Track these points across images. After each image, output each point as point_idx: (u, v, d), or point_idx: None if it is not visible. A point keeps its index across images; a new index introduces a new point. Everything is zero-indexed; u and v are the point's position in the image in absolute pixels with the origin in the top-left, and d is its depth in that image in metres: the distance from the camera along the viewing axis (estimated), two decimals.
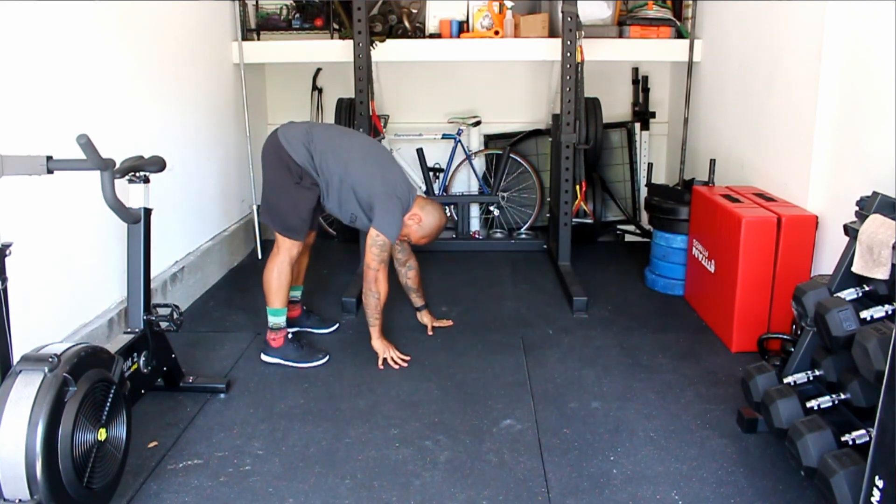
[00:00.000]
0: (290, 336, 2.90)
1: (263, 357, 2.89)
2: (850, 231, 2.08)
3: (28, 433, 1.63)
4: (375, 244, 2.72)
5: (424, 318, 3.23)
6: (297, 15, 4.64)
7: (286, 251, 2.83)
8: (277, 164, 2.76)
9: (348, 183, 2.74)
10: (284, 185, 2.77)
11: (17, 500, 1.64)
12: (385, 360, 2.86)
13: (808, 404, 2.03)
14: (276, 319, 2.86)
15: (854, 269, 2.01)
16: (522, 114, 5.00)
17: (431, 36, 4.43)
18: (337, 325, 3.26)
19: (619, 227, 4.94)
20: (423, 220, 2.83)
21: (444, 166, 4.86)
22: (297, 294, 3.17)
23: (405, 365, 2.86)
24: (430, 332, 3.19)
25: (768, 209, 2.92)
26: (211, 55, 4.04)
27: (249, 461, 2.20)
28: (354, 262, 3.95)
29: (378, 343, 2.88)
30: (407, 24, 4.43)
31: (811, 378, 2.14)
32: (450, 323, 3.28)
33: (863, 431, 1.82)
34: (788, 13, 3.08)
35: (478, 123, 4.82)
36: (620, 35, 4.32)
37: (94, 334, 2.67)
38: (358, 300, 3.47)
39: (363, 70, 3.79)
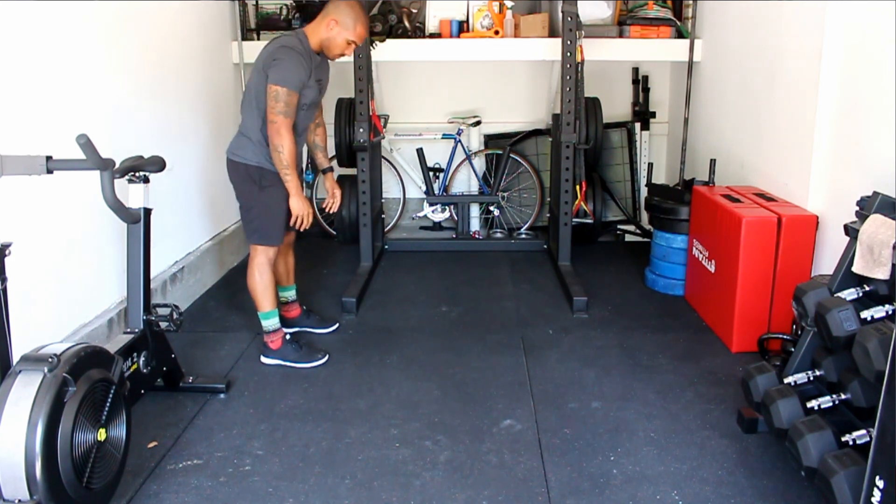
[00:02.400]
0: (287, 337, 2.90)
1: (263, 359, 2.89)
2: (851, 231, 2.08)
3: (28, 433, 1.63)
4: (274, 98, 2.57)
5: (328, 182, 3.09)
6: (297, 14, 4.63)
7: (262, 254, 2.83)
8: (239, 178, 2.79)
9: (251, 93, 2.69)
10: (250, 193, 2.79)
11: (16, 501, 1.64)
12: (299, 218, 2.79)
13: (809, 404, 2.03)
14: (270, 322, 2.86)
15: (854, 269, 2.01)
16: (522, 114, 5.00)
17: (431, 36, 4.43)
18: (337, 326, 3.26)
19: (620, 227, 4.94)
20: (339, 19, 2.66)
21: (444, 166, 4.86)
22: (292, 294, 3.17)
23: (309, 226, 2.83)
24: (334, 200, 3.06)
25: (768, 209, 2.91)
26: (211, 55, 4.04)
27: (249, 461, 2.20)
28: (355, 263, 3.95)
29: (297, 201, 2.75)
30: (407, 23, 4.43)
31: (811, 378, 2.14)
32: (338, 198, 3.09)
33: (863, 431, 1.82)
34: (788, 13, 3.08)
35: (478, 123, 4.82)
36: (620, 35, 4.32)
37: (93, 334, 2.67)
38: (358, 300, 3.47)
39: (363, 70, 3.78)
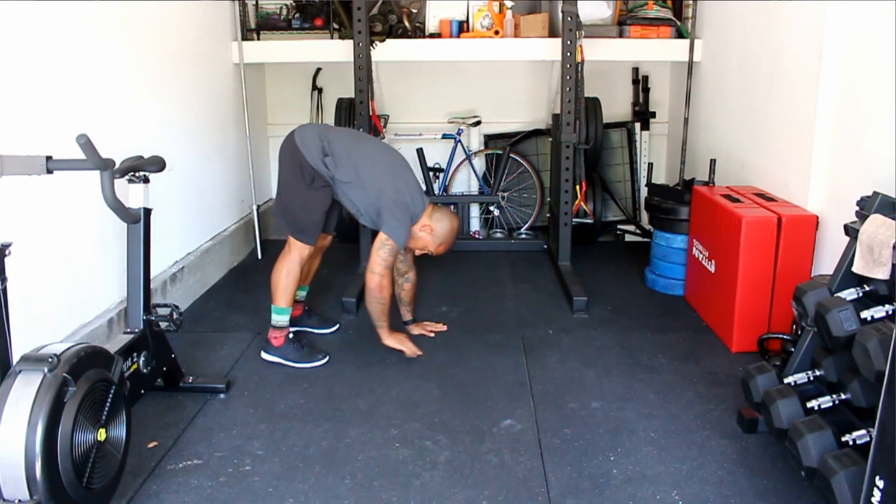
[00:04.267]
0: (291, 336, 2.90)
1: (263, 355, 2.89)
2: (851, 231, 2.08)
3: (28, 433, 1.63)
4: (383, 248, 2.72)
5: (416, 329, 3.19)
6: (297, 15, 4.64)
7: (297, 251, 2.83)
8: (291, 164, 2.78)
9: (359, 185, 2.75)
10: (297, 186, 2.78)
11: (16, 501, 1.63)
12: (402, 350, 2.89)
13: (809, 404, 2.03)
14: (280, 318, 2.86)
15: (854, 269, 2.01)
16: (522, 114, 5.00)
17: (431, 36, 4.43)
18: (337, 326, 3.26)
19: (620, 227, 4.94)
20: (434, 230, 2.84)
21: (444, 166, 4.86)
22: (303, 294, 3.18)
23: (420, 353, 2.88)
24: (432, 334, 3.18)
25: (768, 209, 2.91)
26: (211, 55, 4.04)
27: (249, 461, 2.20)
28: (354, 263, 3.95)
29: (391, 341, 2.88)
30: (407, 23, 4.43)
31: (811, 378, 2.14)
32: (443, 327, 3.25)
33: (863, 431, 1.82)
34: (788, 13, 3.08)
35: (478, 123, 4.82)
36: (620, 35, 4.32)
37: (93, 334, 2.67)
38: (358, 300, 3.47)
39: (363, 70, 3.79)
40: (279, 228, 2.88)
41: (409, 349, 2.89)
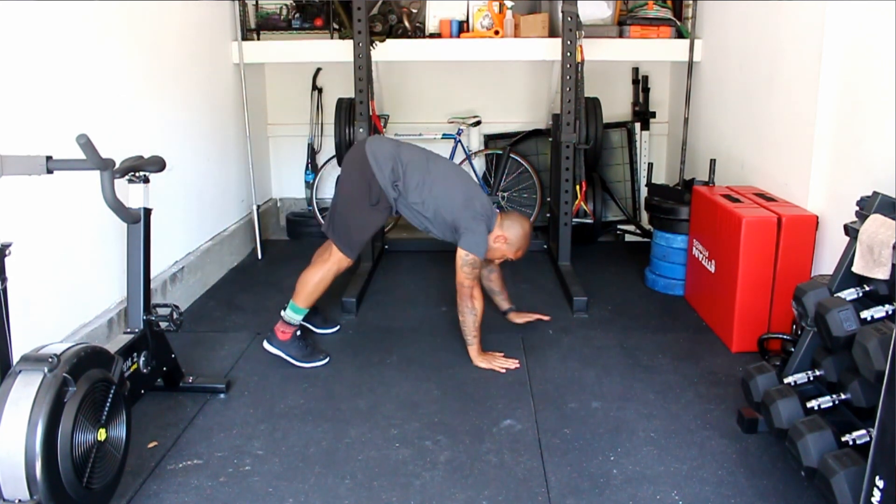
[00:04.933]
0: (298, 333, 2.89)
1: (266, 345, 2.88)
2: (851, 231, 2.08)
3: (28, 433, 1.63)
4: (466, 263, 2.76)
5: (517, 318, 3.23)
6: (297, 15, 4.64)
7: (337, 262, 2.85)
8: (360, 180, 2.79)
9: (432, 206, 2.79)
10: (361, 202, 2.81)
11: (16, 501, 1.63)
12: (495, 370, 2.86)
13: (809, 404, 2.03)
14: (295, 316, 2.86)
15: (854, 269, 2.01)
16: (522, 114, 5.00)
17: (431, 36, 4.43)
18: (338, 327, 3.26)
19: (619, 227, 4.94)
20: (508, 238, 2.87)
21: None
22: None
23: (517, 366, 2.85)
24: (535, 318, 3.24)
25: (768, 209, 2.91)
26: (211, 55, 4.04)
27: (249, 461, 2.20)
28: (355, 263, 3.94)
29: (480, 361, 2.86)
30: (407, 23, 4.43)
31: (811, 378, 2.14)
32: (547, 318, 3.29)
33: (863, 431, 1.82)
34: (788, 13, 3.08)
35: (478, 123, 4.82)
36: (620, 35, 4.32)
37: (93, 334, 2.67)
38: (358, 300, 3.47)
39: (363, 70, 3.78)
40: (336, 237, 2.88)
41: (501, 365, 2.84)
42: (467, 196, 2.82)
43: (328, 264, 2.84)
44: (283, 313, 2.87)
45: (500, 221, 2.88)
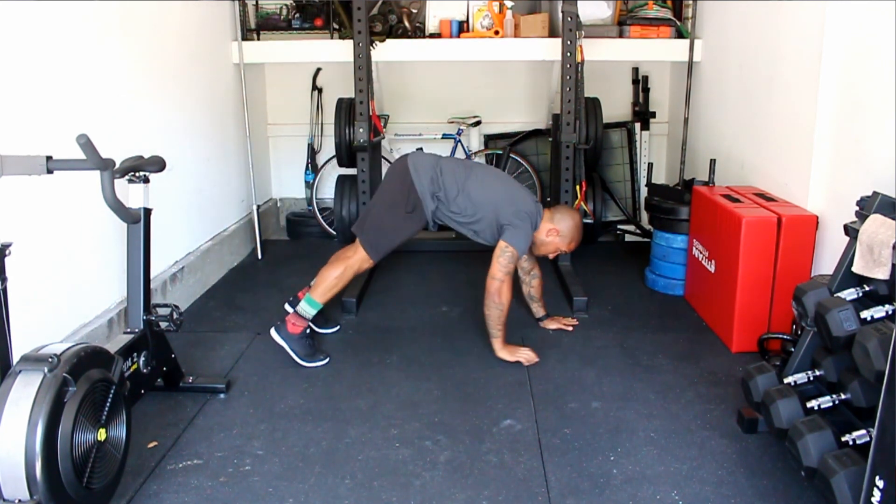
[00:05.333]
0: (307, 331, 2.90)
1: (273, 333, 2.88)
2: (851, 231, 2.08)
3: (28, 433, 1.63)
4: (504, 255, 2.79)
5: (551, 324, 3.24)
6: (297, 15, 4.64)
7: (360, 262, 2.87)
8: (399, 187, 2.85)
9: (475, 213, 2.84)
10: (397, 209, 2.85)
11: (16, 501, 1.63)
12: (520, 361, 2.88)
13: (809, 404, 2.03)
14: (310, 310, 2.87)
15: (854, 269, 2.01)
16: (522, 114, 5.00)
17: (431, 36, 4.43)
18: (338, 327, 3.26)
19: (620, 227, 4.94)
20: (561, 231, 2.91)
21: None
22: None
23: (536, 360, 2.86)
24: (570, 328, 3.23)
25: (768, 209, 2.91)
26: (211, 55, 4.04)
27: (249, 461, 2.20)
28: None
29: (504, 353, 2.87)
30: (407, 24, 4.43)
31: (811, 378, 2.14)
32: (576, 322, 3.30)
33: (863, 431, 1.82)
34: (788, 13, 3.08)
35: (478, 123, 4.82)
36: (620, 35, 4.32)
37: (93, 334, 2.67)
38: (358, 301, 3.47)
39: (363, 70, 3.78)
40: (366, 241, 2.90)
41: (526, 357, 2.86)
42: (510, 196, 2.86)
43: (351, 261, 2.87)
44: (296, 307, 2.88)
45: (549, 216, 2.92)
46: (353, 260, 2.87)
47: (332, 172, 4.74)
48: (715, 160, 3.59)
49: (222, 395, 2.61)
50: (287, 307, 3.04)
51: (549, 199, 4.64)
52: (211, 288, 3.81)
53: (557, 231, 2.90)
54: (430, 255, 4.32)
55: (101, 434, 1.83)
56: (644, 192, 4.31)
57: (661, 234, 3.69)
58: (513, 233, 2.78)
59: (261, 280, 3.99)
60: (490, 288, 2.81)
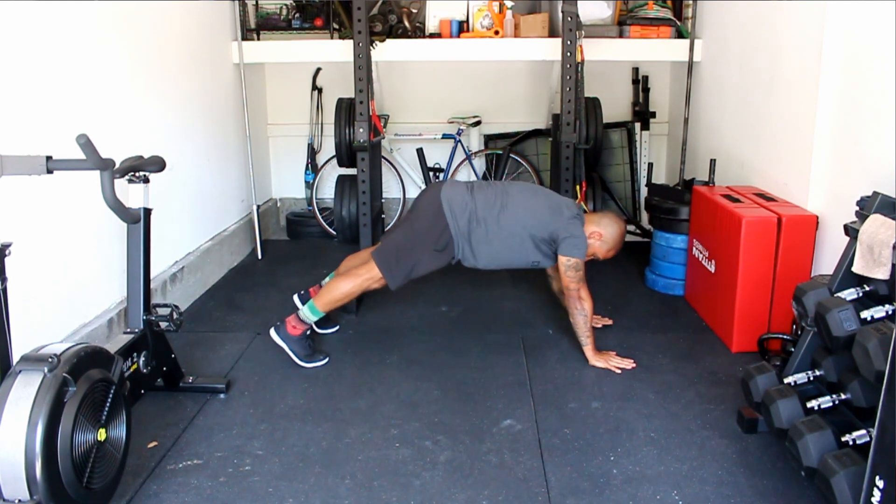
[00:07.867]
0: (307, 333, 2.90)
1: (272, 333, 2.87)
2: (851, 231, 2.08)
3: (28, 433, 1.63)
4: (569, 268, 2.79)
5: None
6: (297, 15, 4.64)
7: (371, 280, 2.84)
8: (432, 222, 2.81)
9: (520, 230, 2.81)
10: (426, 244, 2.83)
11: (16, 501, 1.63)
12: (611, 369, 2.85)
13: (809, 404, 2.03)
14: (311, 317, 2.86)
15: (854, 269, 2.01)
16: (522, 114, 5.00)
17: (431, 36, 4.43)
18: (338, 327, 3.26)
19: None
20: (604, 235, 2.88)
21: (444, 166, 4.86)
22: (326, 282, 3.15)
23: (633, 365, 2.84)
24: (598, 325, 3.22)
25: (768, 209, 2.91)
26: (211, 55, 4.04)
27: (249, 461, 2.20)
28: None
29: (597, 361, 2.86)
30: (407, 23, 4.42)
31: (811, 378, 2.14)
32: (610, 321, 3.29)
33: (863, 431, 1.82)
34: (788, 13, 3.08)
35: (478, 123, 4.82)
36: (620, 35, 4.32)
37: (93, 334, 2.67)
38: (358, 300, 3.47)
39: (363, 70, 3.78)
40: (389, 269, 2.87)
41: (618, 364, 2.84)
42: (552, 206, 2.85)
43: (362, 279, 2.84)
44: (298, 312, 2.87)
45: (595, 218, 2.91)
46: (365, 279, 2.83)
47: (332, 172, 4.74)
48: (715, 160, 3.59)
49: (222, 395, 2.61)
50: (296, 299, 3.05)
51: None
52: (211, 288, 3.81)
53: (600, 235, 2.86)
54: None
55: (101, 434, 1.83)
56: (644, 192, 4.31)
57: (661, 234, 3.69)
58: (568, 243, 2.77)
59: (261, 280, 3.99)
60: (569, 298, 2.82)
